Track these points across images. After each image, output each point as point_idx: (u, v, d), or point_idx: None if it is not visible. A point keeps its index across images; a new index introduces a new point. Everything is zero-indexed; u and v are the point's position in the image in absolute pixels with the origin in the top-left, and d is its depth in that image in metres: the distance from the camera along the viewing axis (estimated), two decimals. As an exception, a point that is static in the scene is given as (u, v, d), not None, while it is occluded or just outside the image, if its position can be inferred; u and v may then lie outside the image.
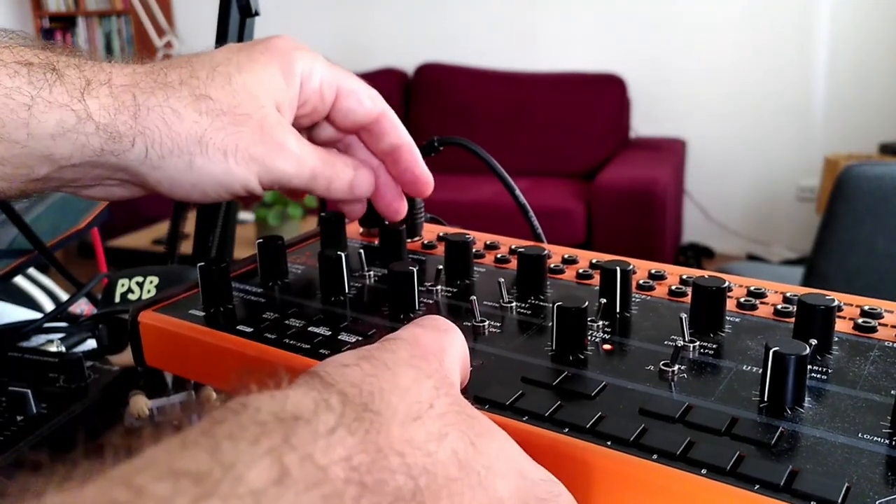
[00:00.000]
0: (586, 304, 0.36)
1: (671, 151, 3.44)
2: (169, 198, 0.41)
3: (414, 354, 0.26)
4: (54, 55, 0.38)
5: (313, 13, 4.04)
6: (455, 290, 0.45)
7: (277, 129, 0.40)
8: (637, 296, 0.43)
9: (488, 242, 0.52)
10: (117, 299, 0.56)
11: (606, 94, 3.54)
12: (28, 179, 0.38)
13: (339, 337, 0.39)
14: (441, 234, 0.54)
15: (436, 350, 0.27)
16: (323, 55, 0.45)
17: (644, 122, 3.65)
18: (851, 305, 0.41)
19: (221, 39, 0.64)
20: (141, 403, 0.55)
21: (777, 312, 0.40)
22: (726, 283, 0.39)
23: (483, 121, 3.63)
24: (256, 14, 0.65)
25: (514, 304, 0.42)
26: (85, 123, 0.37)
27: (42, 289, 1.00)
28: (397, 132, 0.46)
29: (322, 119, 0.46)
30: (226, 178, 0.39)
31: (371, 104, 0.45)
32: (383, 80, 3.82)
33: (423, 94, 3.81)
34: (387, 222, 0.50)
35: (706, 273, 0.42)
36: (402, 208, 0.48)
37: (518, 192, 0.60)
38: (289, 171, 0.41)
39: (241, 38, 0.65)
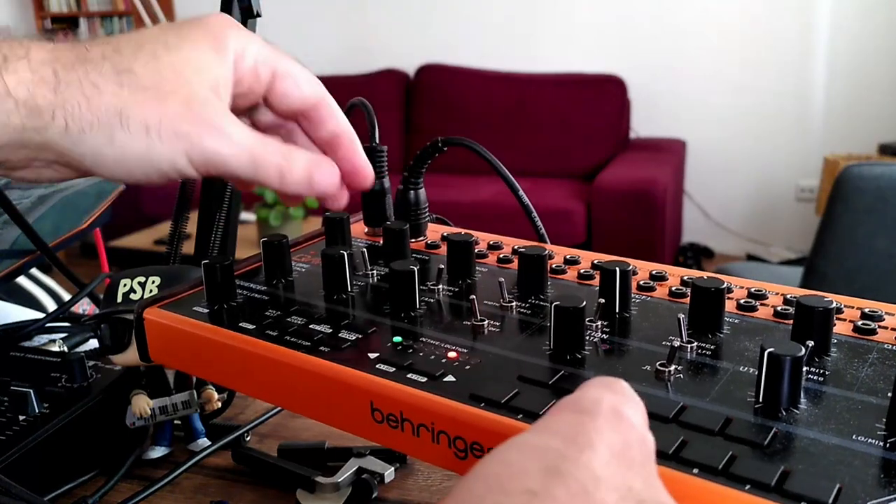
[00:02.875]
0: (584, 303, 0.36)
1: (671, 152, 3.44)
2: (97, 176, 0.39)
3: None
4: None
5: (315, 15, 4.04)
6: (456, 289, 0.45)
7: (207, 106, 0.38)
8: (637, 296, 0.43)
9: (491, 243, 0.53)
10: (119, 299, 0.57)
11: (606, 94, 3.54)
12: None
13: (340, 335, 0.40)
14: (445, 234, 0.55)
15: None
16: (263, 38, 0.43)
17: (644, 123, 3.65)
18: (852, 307, 0.41)
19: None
20: (143, 403, 0.56)
21: (777, 314, 0.40)
22: (725, 285, 0.39)
23: (484, 121, 3.63)
24: (258, 15, 0.65)
25: (514, 303, 0.43)
26: (4, 100, 0.35)
27: (44, 289, 1.01)
28: (336, 120, 0.44)
29: (259, 101, 0.44)
30: (149, 155, 0.37)
31: (309, 89, 0.43)
32: (384, 82, 3.82)
33: (423, 94, 3.81)
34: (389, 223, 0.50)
35: (705, 274, 0.42)
36: (342, 199, 0.45)
37: (521, 192, 0.60)
38: (222, 152, 0.38)
39: (242, 40, 0.65)
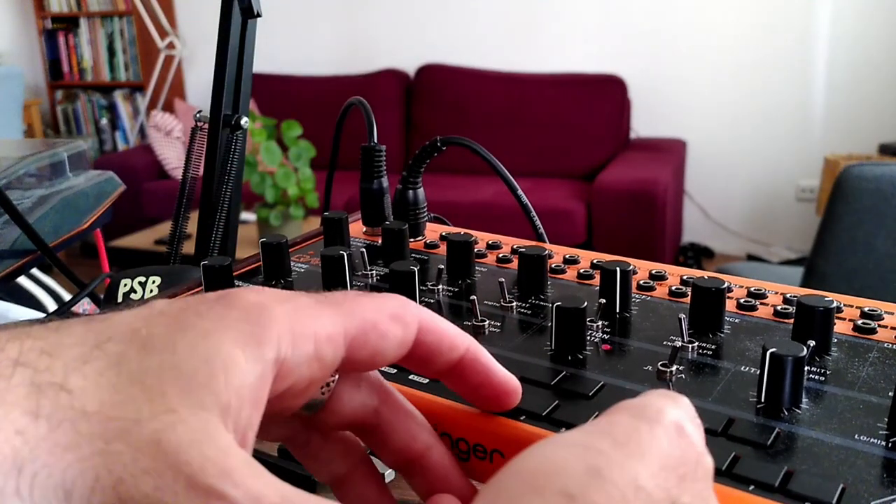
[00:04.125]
0: (585, 304, 0.36)
1: (671, 152, 3.44)
2: None
3: None
4: None
5: (315, 15, 4.04)
6: (456, 289, 0.45)
7: (195, 450, 0.20)
8: (637, 296, 0.43)
9: (490, 242, 0.53)
10: (120, 299, 0.57)
11: (607, 94, 3.54)
12: None
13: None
14: (443, 233, 0.55)
15: None
16: (305, 298, 0.26)
17: (644, 123, 3.66)
18: (852, 307, 0.40)
19: (223, 41, 0.65)
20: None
21: (777, 313, 0.40)
22: (725, 284, 0.39)
23: (484, 121, 3.63)
24: (258, 16, 0.65)
25: (514, 303, 0.43)
26: None
27: (45, 289, 1.01)
28: (450, 341, 0.29)
29: (328, 380, 0.29)
30: None
31: (401, 330, 0.27)
32: (384, 82, 3.82)
33: (424, 94, 3.81)
34: (388, 222, 0.50)
35: (706, 274, 0.42)
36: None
37: (520, 192, 0.60)
38: None
39: (242, 41, 0.65)
